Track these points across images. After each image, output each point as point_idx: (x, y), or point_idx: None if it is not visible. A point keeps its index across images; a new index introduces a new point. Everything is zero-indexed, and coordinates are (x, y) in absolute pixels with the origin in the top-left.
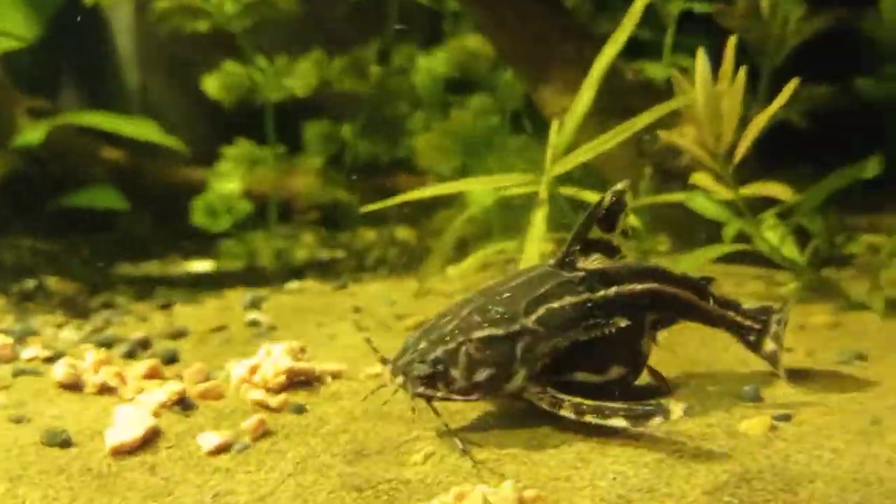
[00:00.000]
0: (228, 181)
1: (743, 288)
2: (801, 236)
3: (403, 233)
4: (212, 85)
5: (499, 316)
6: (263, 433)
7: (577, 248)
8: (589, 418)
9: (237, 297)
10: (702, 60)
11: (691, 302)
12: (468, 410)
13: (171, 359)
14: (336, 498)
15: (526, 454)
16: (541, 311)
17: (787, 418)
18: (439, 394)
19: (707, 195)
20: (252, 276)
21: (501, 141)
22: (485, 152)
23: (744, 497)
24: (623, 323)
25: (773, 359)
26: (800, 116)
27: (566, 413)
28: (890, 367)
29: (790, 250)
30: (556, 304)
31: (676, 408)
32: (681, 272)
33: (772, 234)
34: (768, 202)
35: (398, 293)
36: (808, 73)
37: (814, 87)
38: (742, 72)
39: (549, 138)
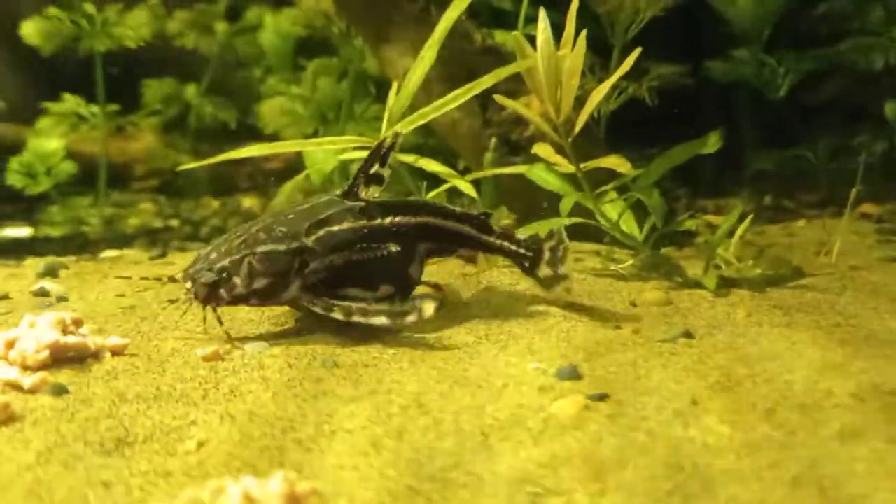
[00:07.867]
0: (48, 139)
1: (580, 264)
2: (643, 213)
3: (250, 202)
4: (30, 31)
5: (282, 234)
6: (7, 419)
7: (361, 182)
8: (356, 318)
9: (36, 264)
10: (544, 22)
11: (467, 234)
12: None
13: None
14: (76, 496)
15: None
16: (321, 232)
17: (602, 398)
18: (223, 300)
19: (548, 167)
20: (71, 245)
21: (354, 108)
22: (335, 119)
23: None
24: (394, 248)
25: (545, 282)
26: (650, 94)
27: (337, 315)
28: (715, 346)
29: (629, 225)
30: (335, 228)
31: (429, 307)
32: (460, 209)
33: (611, 209)
34: (614, 177)
35: None
36: (662, 53)
37: (662, 65)
38: (583, 36)
39: (388, 100)
